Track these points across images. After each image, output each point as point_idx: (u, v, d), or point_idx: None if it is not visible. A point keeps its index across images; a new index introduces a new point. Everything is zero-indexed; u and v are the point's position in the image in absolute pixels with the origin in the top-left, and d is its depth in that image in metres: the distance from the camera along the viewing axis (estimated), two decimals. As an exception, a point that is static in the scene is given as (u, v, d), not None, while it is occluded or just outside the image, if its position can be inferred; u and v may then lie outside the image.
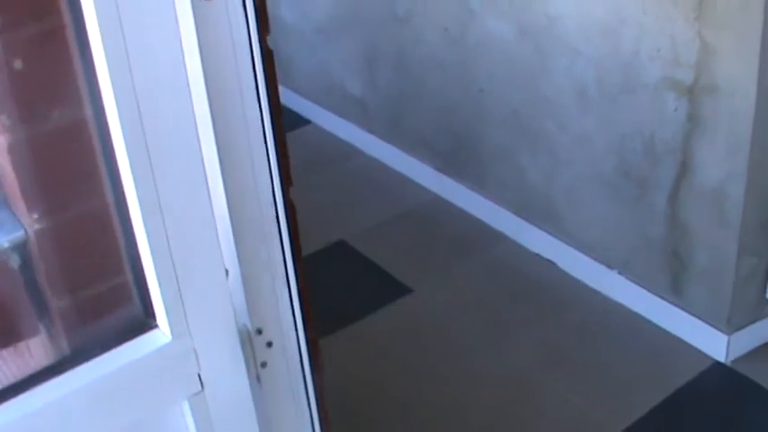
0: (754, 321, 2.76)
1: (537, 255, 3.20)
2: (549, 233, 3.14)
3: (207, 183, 1.15)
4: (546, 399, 2.68)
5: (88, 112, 1.12)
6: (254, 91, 1.17)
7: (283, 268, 1.28)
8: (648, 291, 2.88)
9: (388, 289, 3.10)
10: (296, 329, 1.32)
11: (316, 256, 3.22)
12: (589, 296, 3.02)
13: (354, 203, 3.57)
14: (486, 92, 3.13)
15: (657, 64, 2.53)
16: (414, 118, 3.54)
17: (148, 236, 1.12)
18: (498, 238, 3.31)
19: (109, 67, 1.05)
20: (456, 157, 3.41)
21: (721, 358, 2.74)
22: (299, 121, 4.06)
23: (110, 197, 1.16)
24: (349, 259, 3.27)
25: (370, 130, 3.79)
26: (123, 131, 1.07)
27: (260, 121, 1.19)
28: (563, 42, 2.78)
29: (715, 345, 2.75)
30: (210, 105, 1.14)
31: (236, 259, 1.22)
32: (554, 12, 2.76)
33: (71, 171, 1.15)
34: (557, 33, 2.78)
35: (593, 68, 2.72)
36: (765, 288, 2.72)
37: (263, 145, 1.21)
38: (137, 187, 1.10)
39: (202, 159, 1.14)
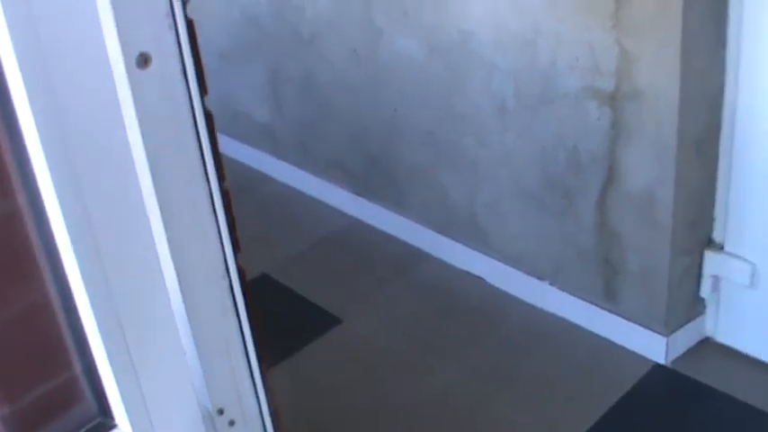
0: (690, 320, 2.75)
1: (465, 272, 3.15)
2: (476, 249, 3.09)
3: (159, 261, 1.07)
4: (489, 419, 2.62)
5: (21, 200, 1.03)
6: (199, 157, 1.10)
7: (241, 340, 1.20)
8: (582, 299, 2.85)
9: (317, 321, 3.02)
10: (258, 403, 1.24)
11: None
12: (523, 309, 2.98)
13: (272, 234, 3.49)
14: (400, 111, 3.08)
15: (577, 73, 2.50)
16: (325, 142, 3.48)
17: (99, 326, 1.04)
18: (423, 258, 3.26)
19: (44, 149, 0.96)
20: (372, 179, 3.35)
21: (661, 360, 2.72)
22: (205, 152, 3.95)
23: (51, 288, 1.07)
24: (274, 293, 3.18)
25: (281, 157, 3.72)
26: (65, 218, 0.99)
27: (206, 188, 1.12)
28: (478, 57, 2.73)
29: (654, 347, 2.73)
30: (153, 176, 1.06)
31: (192, 337, 1.14)
32: (467, 26, 2.72)
33: (3, 267, 1.06)
34: (471, 48, 2.74)
35: (510, 81, 2.68)
36: (699, 286, 2.71)
37: (212, 213, 1.13)
38: (83, 275, 1.02)
39: (153, 236, 1.06)
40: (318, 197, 3.61)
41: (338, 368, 2.84)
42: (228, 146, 3.93)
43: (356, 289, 3.17)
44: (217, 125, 3.52)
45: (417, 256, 3.26)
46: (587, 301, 2.83)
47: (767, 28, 2.30)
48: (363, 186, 3.41)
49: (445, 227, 3.17)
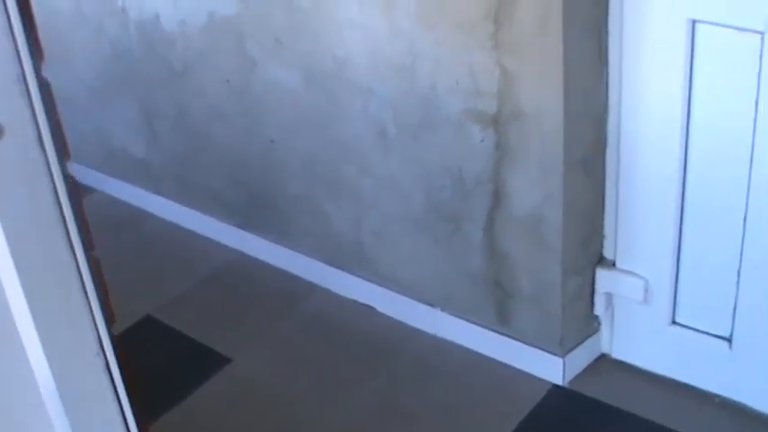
0: (585, 339, 2.73)
1: (354, 302, 3.08)
2: (364, 278, 3.03)
3: (23, 346, 0.97)
4: (391, 454, 2.57)
5: None
6: (62, 227, 1.01)
7: (121, 419, 1.11)
8: (475, 324, 2.80)
9: (205, 362, 2.92)
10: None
11: (121, 337, 2.99)
12: (415, 337, 2.92)
13: (155, 273, 3.37)
14: (278, 142, 3.00)
15: (458, 96, 2.45)
16: (203, 175, 3.38)
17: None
18: (311, 289, 3.17)
19: None
20: (254, 212, 3.27)
21: (559, 381, 2.70)
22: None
23: None
24: (159, 335, 3.06)
25: (159, 193, 3.61)
26: None
27: (72, 259, 1.03)
28: (355, 84, 2.67)
29: (551, 369, 2.70)
30: (13, 253, 0.96)
31: (69, 425, 1.04)
32: (342, 54, 2.65)
33: None
34: (347, 76, 2.67)
35: (389, 108, 2.63)
36: (593, 304, 2.68)
37: (81, 285, 1.04)
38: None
39: (13, 318, 0.97)
40: (201, 232, 3.51)
41: (230, 410, 2.75)
42: (105, 183, 3.82)
43: (244, 325, 3.08)
44: (92, 162, 3.44)
45: (305, 288, 3.18)
46: (480, 326, 2.79)
47: (647, 43, 2.29)
48: (245, 219, 3.33)
49: (332, 257, 3.10)
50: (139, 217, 3.68)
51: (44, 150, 0.95)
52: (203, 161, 3.35)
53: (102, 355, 1.06)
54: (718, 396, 2.59)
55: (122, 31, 3.33)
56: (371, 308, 3.05)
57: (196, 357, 2.96)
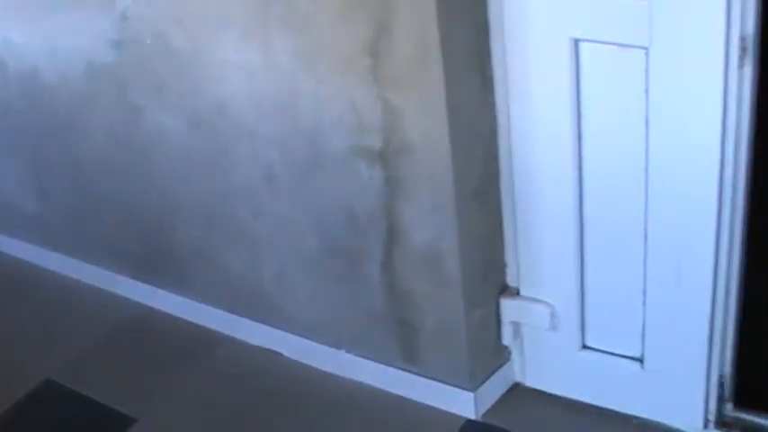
0: (496, 370, 2.68)
1: (262, 349, 2.99)
2: (268, 324, 2.95)
3: None
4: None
5: None
6: None
7: None
8: (383, 364, 2.74)
9: (109, 425, 2.79)
10: None
11: (19, 406, 2.88)
12: (325, 381, 2.84)
13: (55, 334, 3.23)
14: (171, 190, 2.92)
15: (342, 132, 2.39)
16: (99, 228, 3.29)
17: None
18: (217, 339, 3.07)
19: None
20: (153, 263, 3.18)
21: (471, 415, 2.64)
22: (-26, 252, 3.71)
23: None
24: (59, 401, 2.92)
25: (55, 249, 3.50)
26: None
27: None
28: (239, 126, 2.61)
29: (462, 403, 2.64)
30: None
31: None
32: (224, 96, 2.58)
33: None
34: (231, 118, 2.61)
35: (275, 148, 2.56)
36: (500, 335, 2.63)
37: None
38: None
39: None
40: (100, 286, 3.39)
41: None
42: (-1, 242, 3.71)
43: (149, 382, 2.96)
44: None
45: (211, 339, 3.08)
46: (388, 365, 2.73)
47: (531, 67, 2.26)
48: (145, 271, 3.23)
49: (234, 304, 3.02)
50: (36, 275, 3.55)
51: None
52: (97, 214, 3.25)
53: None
54: (635, 417, 2.56)
55: (2, 85, 3.22)
56: (279, 354, 2.97)
57: (99, 420, 2.84)
